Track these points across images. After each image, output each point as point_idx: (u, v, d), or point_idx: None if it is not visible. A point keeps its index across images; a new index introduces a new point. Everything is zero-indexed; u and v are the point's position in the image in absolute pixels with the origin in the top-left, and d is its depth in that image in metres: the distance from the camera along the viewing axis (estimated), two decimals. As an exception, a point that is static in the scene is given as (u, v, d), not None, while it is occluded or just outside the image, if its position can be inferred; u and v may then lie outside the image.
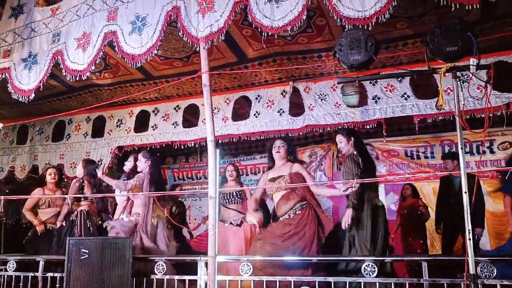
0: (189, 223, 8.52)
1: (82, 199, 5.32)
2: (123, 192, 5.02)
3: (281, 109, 6.13)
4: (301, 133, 6.24)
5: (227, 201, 5.46)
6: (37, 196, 5.66)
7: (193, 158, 9.76)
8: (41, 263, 4.45)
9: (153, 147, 6.71)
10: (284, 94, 6.18)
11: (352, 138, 4.44)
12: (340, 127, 5.79)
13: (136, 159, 5.29)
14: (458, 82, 2.96)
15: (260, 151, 8.95)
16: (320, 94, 6.01)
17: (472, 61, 2.80)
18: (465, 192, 2.76)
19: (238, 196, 5.48)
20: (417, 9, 4.60)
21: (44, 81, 4.50)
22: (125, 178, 5.28)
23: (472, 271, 2.69)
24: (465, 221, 2.73)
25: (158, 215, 5.08)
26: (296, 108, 6.21)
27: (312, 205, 4.41)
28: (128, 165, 5.51)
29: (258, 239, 4.41)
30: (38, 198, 5.63)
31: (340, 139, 4.49)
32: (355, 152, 4.34)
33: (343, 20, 3.35)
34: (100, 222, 5.34)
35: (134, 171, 5.31)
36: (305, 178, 4.46)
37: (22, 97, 4.54)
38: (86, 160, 5.81)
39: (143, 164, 5.08)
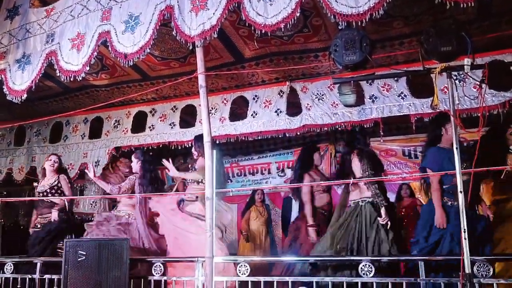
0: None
1: None
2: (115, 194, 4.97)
3: (278, 109, 6.12)
4: (298, 133, 6.23)
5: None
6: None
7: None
8: (39, 265, 4.45)
9: (150, 147, 6.71)
10: (281, 94, 6.17)
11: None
12: (337, 127, 5.86)
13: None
14: (454, 82, 2.97)
15: (258, 151, 8.94)
16: (317, 93, 5.99)
17: (466, 61, 2.80)
18: (460, 192, 2.76)
19: None
20: (413, 8, 4.59)
21: (37, 82, 4.46)
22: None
23: (468, 270, 2.69)
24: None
25: None
26: (293, 108, 6.20)
27: None
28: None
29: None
30: None
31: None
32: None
33: (336, 17, 3.32)
34: None
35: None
36: None
37: (15, 98, 4.50)
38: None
39: (135, 165, 5.09)
